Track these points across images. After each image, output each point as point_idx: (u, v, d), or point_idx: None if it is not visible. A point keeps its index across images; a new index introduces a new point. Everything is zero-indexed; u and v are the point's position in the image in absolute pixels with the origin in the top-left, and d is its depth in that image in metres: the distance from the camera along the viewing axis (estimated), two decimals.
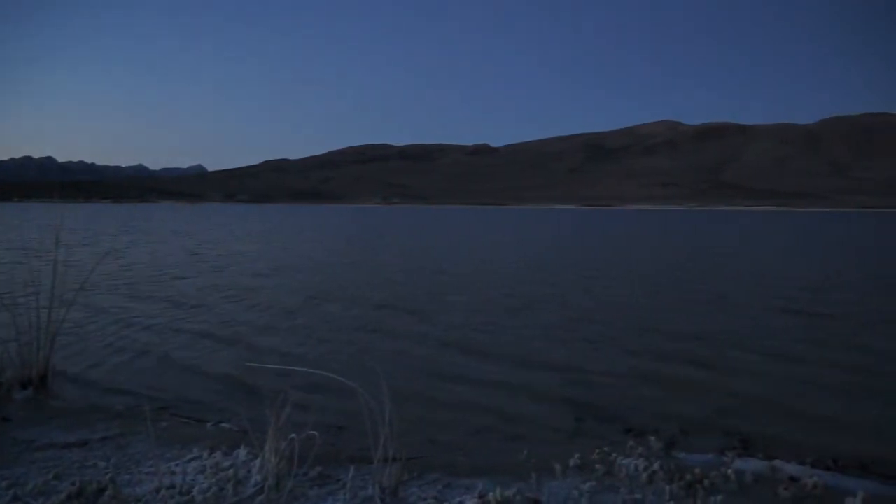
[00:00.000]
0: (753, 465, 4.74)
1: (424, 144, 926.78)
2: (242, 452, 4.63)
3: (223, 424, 5.77)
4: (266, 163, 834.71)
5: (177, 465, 4.51)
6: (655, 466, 4.46)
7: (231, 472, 4.21)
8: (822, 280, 17.90)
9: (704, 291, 15.36)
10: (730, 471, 4.46)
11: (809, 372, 8.00)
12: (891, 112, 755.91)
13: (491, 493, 3.99)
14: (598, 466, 4.59)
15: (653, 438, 5.18)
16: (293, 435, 4.14)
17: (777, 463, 4.74)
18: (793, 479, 4.43)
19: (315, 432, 4.25)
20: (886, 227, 68.68)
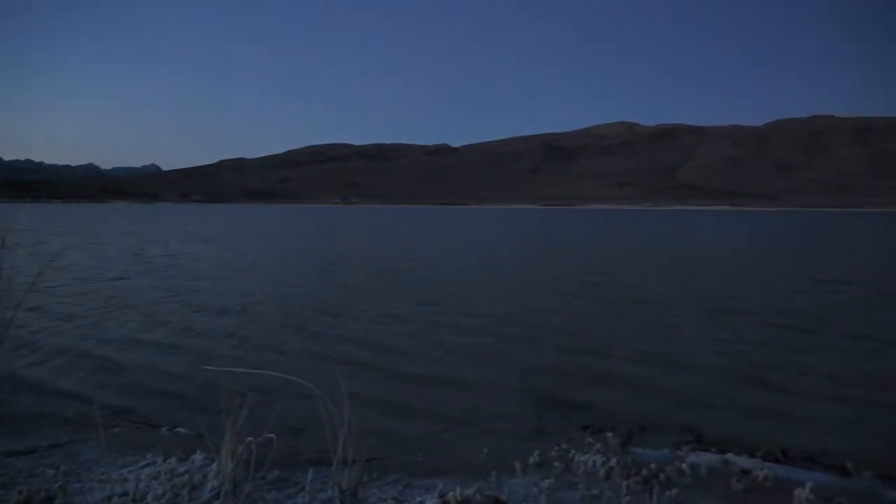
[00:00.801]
0: (707, 458, 4.86)
1: (383, 144, 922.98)
2: (198, 457, 4.56)
3: (178, 429, 5.65)
4: (222, 162, 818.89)
5: (130, 471, 4.41)
6: (613, 462, 4.54)
7: (186, 477, 4.13)
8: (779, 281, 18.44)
9: (663, 292, 15.68)
10: (684, 465, 4.57)
11: (759, 368, 8.23)
12: (835, 114, 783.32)
13: (451, 493, 4.00)
14: (556, 464, 4.65)
15: (610, 435, 5.27)
16: (250, 438, 4.08)
17: (730, 456, 4.88)
18: (744, 471, 4.56)
19: (273, 435, 4.19)
20: (835, 228, 71.06)
